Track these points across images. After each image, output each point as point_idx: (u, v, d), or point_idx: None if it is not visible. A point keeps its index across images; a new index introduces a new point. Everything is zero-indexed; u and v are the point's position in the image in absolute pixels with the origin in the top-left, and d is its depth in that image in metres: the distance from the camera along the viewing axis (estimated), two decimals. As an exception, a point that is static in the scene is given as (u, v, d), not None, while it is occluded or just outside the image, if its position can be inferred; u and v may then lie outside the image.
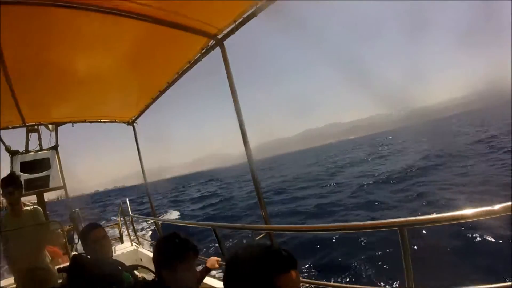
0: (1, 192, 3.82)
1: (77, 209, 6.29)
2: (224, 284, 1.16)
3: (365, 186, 19.83)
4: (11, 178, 3.81)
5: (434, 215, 1.83)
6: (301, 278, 2.55)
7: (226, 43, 3.26)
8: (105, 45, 3.22)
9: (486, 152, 22.97)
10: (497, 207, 1.59)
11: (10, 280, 4.03)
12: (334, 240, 9.86)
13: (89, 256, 2.53)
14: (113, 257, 2.60)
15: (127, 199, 6.68)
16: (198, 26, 3.03)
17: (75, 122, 5.42)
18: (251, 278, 1.07)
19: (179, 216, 23.14)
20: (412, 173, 20.97)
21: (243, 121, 3.22)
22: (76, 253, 2.76)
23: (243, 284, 1.08)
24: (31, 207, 4.01)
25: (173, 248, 1.85)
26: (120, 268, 2.51)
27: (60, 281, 3.48)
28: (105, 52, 3.36)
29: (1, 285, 3.95)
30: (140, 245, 6.17)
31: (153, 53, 3.58)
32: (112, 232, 7.72)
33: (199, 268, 2.57)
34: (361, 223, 2.19)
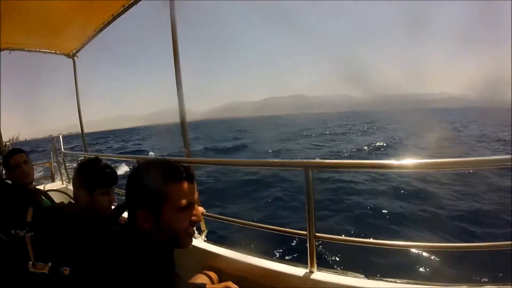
0: None
1: (8, 143, 6.05)
2: (125, 195, 1.25)
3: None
4: None
5: (340, 160, 1.91)
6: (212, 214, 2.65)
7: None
8: None
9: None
10: (409, 162, 1.66)
11: None
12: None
13: (9, 182, 2.59)
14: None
15: (60, 136, 6.48)
16: None
17: (13, 50, 5.11)
18: (146, 185, 1.17)
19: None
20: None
21: (181, 79, 3.06)
22: None
23: (140, 191, 1.19)
24: None
25: (92, 171, 1.92)
26: (38, 193, 2.51)
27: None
28: None
29: None
30: (71, 183, 6.08)
31: None
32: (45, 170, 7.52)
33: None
34: (271, 160, 2.27)
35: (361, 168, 1.88)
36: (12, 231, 1.80)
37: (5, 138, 5.87)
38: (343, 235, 2.03)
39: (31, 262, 1.52)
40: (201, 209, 2.57)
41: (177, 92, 3.01)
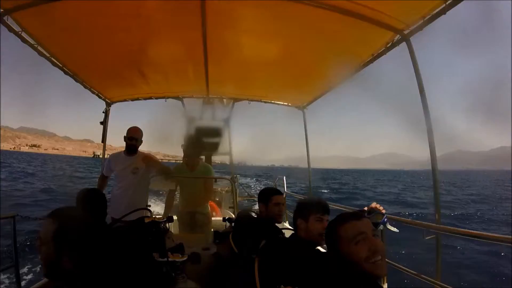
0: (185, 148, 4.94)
1: (238, 175, 7.08)
2: None
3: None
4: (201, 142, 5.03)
5: None
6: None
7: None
8: (289, 32, 3.71)
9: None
10: None
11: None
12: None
13: (255, 215, 3.01)
14: None
15: (284, 177, 7.28)
16: (384, 20, 3.14)
17: (251, 100, 6.36)
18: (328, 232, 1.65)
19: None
20: None
21: (432, 127, 3.21)
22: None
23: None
24: (205, 164, 5.13)
25: (310, 202, 2.38)
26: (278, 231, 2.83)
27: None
28: (288, 39, 3.85)
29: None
30: (286, 222, 6.69)
31: (335, 43, 3.88)
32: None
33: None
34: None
35: None
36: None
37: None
38: None
39: None
40: None
41: (428, 138, 3.19)
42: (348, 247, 1.49)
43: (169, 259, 1.97)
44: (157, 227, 2.61)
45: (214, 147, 6.78)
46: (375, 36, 3.47)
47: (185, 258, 1.99)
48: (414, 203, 28.43)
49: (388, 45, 3.54)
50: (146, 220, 2.66)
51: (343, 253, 1.51)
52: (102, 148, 6.27)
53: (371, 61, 3.92)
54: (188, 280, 1.92)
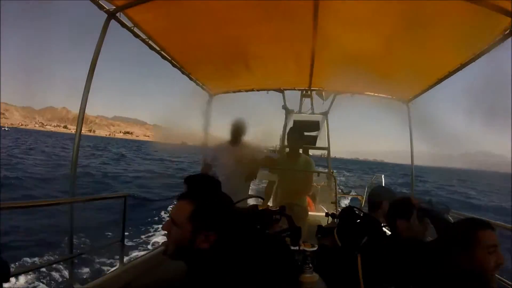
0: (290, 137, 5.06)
1: (334, 171, 7.16)
2: None
3: None
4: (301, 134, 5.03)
5: None
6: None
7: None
8: (395, 23, 3.62)
9: None
10: None
11: None
12: None
13: (362, 212, 2.98)
14: None
15: (382, 175, 7.17)
16: (501, 4, 2.89)
17: (354, 93, 6.32)
18: (461, 232, 1.71)
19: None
20: None
21: None
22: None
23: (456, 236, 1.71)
24: (306, 157, 5.15)
25: (408, 202, 2.42)
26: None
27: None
28: (394, 30, 3.75)
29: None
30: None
31: (446, 31, 3.66)
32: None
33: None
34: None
35: None
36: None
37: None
38: None
39: None
40: None
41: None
42: (483, 254, 1.57)
43: (300, 248, 2.00)
44: (269, 216, 2.56)
45: (313, 141, 6.87)
46: (490, 22, 3.19)
47: (315, 248, 2.02)
48: (478, 205, 29.04)
49: (506, 32, 3.23)
50: (259, 208, 2.62)
51: (475, 258, 1.58)
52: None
53: (486, 51, 3.61)
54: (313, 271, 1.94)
